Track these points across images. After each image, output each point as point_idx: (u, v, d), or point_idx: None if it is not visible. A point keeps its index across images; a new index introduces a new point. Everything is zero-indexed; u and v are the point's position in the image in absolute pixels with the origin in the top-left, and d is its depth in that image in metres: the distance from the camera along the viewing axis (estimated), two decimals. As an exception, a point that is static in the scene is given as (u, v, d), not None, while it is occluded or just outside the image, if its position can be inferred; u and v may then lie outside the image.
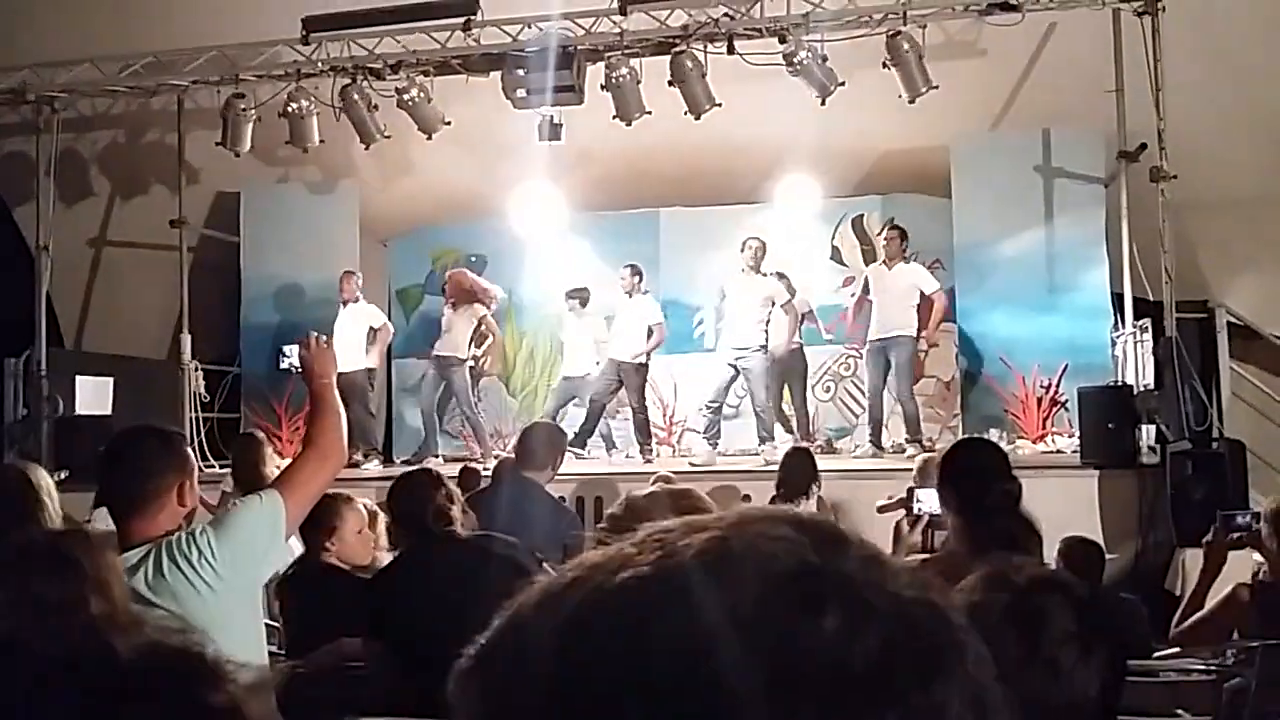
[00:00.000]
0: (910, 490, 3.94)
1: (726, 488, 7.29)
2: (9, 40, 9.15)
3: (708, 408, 8.79)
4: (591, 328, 9.47)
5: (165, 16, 8.87)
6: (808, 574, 0.52)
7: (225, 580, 2.38)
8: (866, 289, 9.02)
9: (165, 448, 2.56)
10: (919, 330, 8.67)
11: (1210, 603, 3.93)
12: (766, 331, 8.59)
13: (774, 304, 8.72)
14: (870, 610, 0.51)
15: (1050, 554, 4.11)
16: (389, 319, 11.25)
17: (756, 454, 8.64)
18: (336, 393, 2.81)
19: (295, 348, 2.90)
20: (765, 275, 8.83)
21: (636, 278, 9.18)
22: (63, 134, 9.55)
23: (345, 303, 9.32)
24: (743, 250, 8.72)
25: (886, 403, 8.92)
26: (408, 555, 3.60)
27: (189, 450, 2.66)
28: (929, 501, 3.77)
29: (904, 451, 8.60)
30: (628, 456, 9.33)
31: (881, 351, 8.73)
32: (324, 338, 2.93)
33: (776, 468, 6.44)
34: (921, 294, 8.73)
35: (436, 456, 8.97)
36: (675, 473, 6.86)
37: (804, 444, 7.90)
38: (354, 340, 9.10)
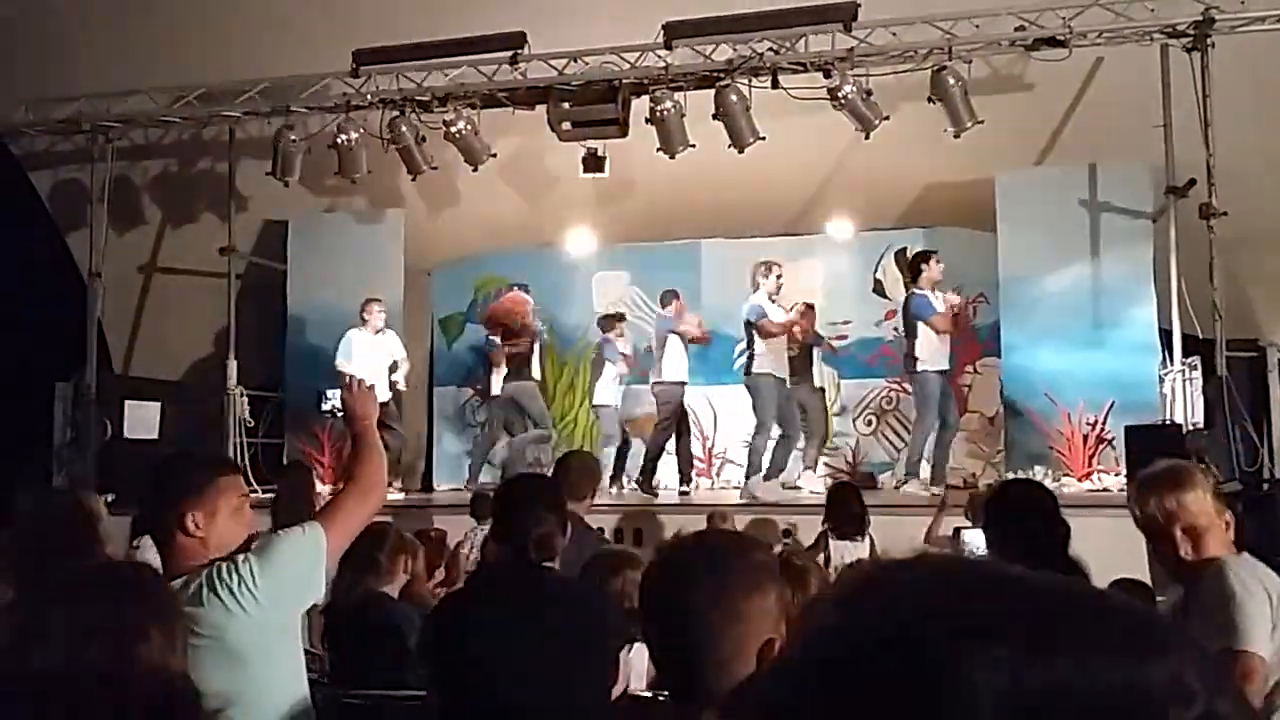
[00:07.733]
0: (956, 531, 3.89)
1: (768, 520, 7.23)
2: (66, 71, 9.35)
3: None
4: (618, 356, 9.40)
5: (218, 49, 9.02)
6: None
7: (265, 609, 2.38)
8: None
9: (171, 477, 2.57)
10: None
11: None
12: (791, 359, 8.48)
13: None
14: None
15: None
16: (430, 347, 11.32)
17: (796, 486, 8.57)
18: (377, 433, 2.91)
19: (337, 391, 2.96)
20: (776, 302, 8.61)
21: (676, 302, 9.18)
22: (116, 162, 9.74)
23: (368, 326, 9.25)
24: (756, 278, 8.52)
25: (930, 436, 8.82)
26: (486, 581, 3.03)
27: (201, 480, 2.50)
28: (976, 543, 3.72)
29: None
30: (667, 488, 9.29)
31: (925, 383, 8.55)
32: (366, 382, 3.00)
33: (808, 500, 6.34)
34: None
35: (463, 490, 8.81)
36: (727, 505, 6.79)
37: (848, 479, 7.79)
38: (379, 369, 9.09)
